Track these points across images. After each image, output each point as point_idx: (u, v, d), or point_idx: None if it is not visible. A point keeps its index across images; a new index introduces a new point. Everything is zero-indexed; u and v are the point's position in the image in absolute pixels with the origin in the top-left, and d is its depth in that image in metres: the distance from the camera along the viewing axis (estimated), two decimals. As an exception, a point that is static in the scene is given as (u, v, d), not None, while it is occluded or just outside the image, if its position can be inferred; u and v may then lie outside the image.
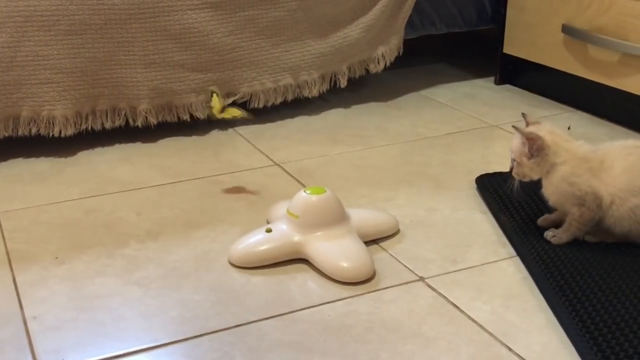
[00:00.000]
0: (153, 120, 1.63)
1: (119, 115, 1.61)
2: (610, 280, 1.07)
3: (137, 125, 1.62)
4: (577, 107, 1.85)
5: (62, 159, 1.56)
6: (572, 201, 1.15)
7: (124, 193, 1.41)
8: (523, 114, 1.24)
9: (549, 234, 1.18)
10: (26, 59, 1.50)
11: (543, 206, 1.29)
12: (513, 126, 1.19)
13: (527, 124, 1.22)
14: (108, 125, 1.60)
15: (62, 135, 1.55)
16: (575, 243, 1.18)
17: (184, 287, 1.09)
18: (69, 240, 1.23)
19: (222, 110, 1.66)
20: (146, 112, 1.62)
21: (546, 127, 1.19)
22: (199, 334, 0.99)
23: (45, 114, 1.53)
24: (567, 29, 1.76)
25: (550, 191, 1.18)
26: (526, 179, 1.19)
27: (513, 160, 1.19)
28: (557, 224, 1.21)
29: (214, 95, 1.64)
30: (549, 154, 1.15)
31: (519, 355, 0.94)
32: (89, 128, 1.58)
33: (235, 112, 1.68)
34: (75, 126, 1.57)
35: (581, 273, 1.09)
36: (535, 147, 1.15)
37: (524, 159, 1.17)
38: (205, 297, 1.07)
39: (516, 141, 1.18)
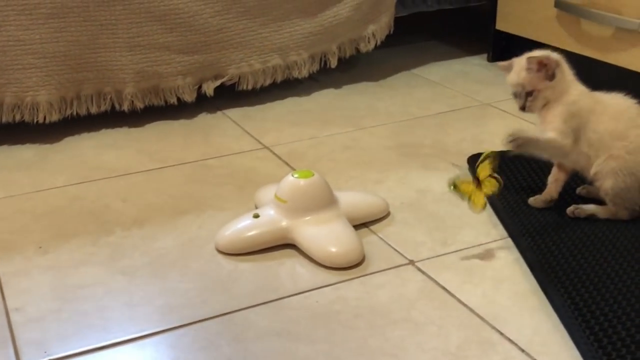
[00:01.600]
0: (139, 104, 1.60)
1: (104, 99, 1.58)
2: (603, 262, 1.05)
3: (124, 110, 1.59)
4: (571, 83, 1.81)
5: (47, 146, 1.53)
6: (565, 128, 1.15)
7: (110, 179, 1.38)
8: (499, 64, 1.24)
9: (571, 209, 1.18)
10: (7, 44, 1.47)
11: (535, 186, 1.27)
12: (527, 58, 1.16)
13: (507, 63, 1.21)
14: (93, 110, 1.57)
15: (47, 121, 1.52)
16: (567, 224, 1.16)
17: (170, 275, 1.08)
18: (53, 229, 1.21)
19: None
20: (132, 96, 1.59)
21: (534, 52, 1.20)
22: (185, 323, 0.97)
23: (29, 99, 1.50)
24: (560, 4, 1.72)
25: (552, 116, 1.16)
26: (541, 110, 1.17)
27: (527, 94, 1.17)
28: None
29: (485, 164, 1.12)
30: (562, 69, 1.17)
31: (509, 340, 0.93)
32: (74, 113, 1.56)
33: (493, 186, 1.11)
34: (59, 112, 1.54)
35: (574, 254, 1.07)
36: (554, 65, 1.15)
37: (546, 83, 1.16)
38: (192, 285, 1.05)
39: (523, 74, 1.16)
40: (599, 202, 1.18)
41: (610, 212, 1.16)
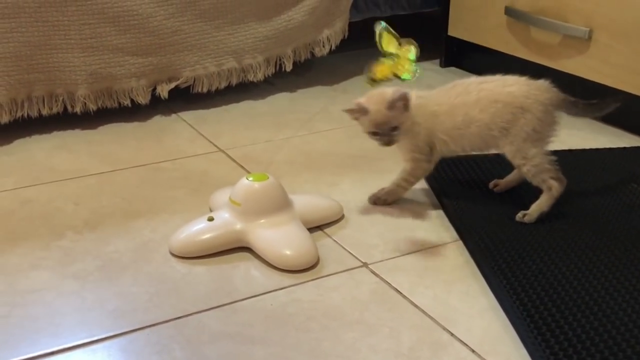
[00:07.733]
0: (92, 106, 1.58)
1: (56, 101, 1.56)
2: (550, 263, 1.08)
3: (76, 112, 1.57)
4: (521, 88, 1.85)
5: (-3, 148, 1.50)
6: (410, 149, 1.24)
7: (61, 182, 1.36)
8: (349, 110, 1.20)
9: (519, 216, 1.20)
10: (-45, 43, 1.44)
11: (486, 190, 1.29)
12: (390, 100, 1.16)
13: (358, 107, 1.19)
14: (45, 111, 1.55)
15: (-3, 123, 1.50)
16: (516, 226, 1.18)
17: (122, 279, 1.07)
18: (3, 232, 1.19)
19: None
20: (85, 98, 1.57)
21: (376, 92, 1.19)
22: (136, 327, 0.96)
23: (-22, 101, 1.47)
24: (510, 11, 1.76)
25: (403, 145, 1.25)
26: (404, 139, 1.22)
27: (392, 129, 1.18)
28: (508, 187, 1.28)
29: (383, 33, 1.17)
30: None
31: (460, 340, 0.94)
32: (25, 115, 1.53)
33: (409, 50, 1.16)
34: (10, 113, 1.52)
35: (522, 256, 1.10)
36: (407, 98, 1.19)
37: (406, 114, 1.19)
38: (144, 289, 1.05)
39: (389, 113, 1.16)
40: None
41: (549, 197, 1.19)
